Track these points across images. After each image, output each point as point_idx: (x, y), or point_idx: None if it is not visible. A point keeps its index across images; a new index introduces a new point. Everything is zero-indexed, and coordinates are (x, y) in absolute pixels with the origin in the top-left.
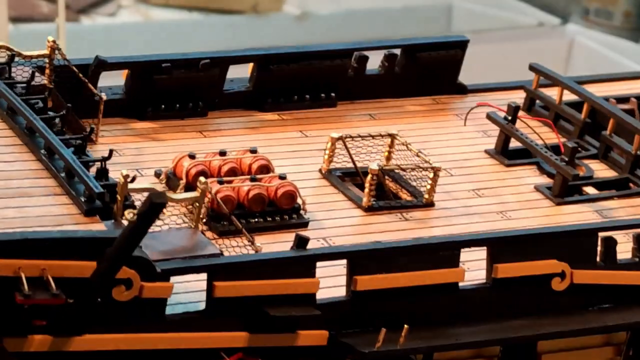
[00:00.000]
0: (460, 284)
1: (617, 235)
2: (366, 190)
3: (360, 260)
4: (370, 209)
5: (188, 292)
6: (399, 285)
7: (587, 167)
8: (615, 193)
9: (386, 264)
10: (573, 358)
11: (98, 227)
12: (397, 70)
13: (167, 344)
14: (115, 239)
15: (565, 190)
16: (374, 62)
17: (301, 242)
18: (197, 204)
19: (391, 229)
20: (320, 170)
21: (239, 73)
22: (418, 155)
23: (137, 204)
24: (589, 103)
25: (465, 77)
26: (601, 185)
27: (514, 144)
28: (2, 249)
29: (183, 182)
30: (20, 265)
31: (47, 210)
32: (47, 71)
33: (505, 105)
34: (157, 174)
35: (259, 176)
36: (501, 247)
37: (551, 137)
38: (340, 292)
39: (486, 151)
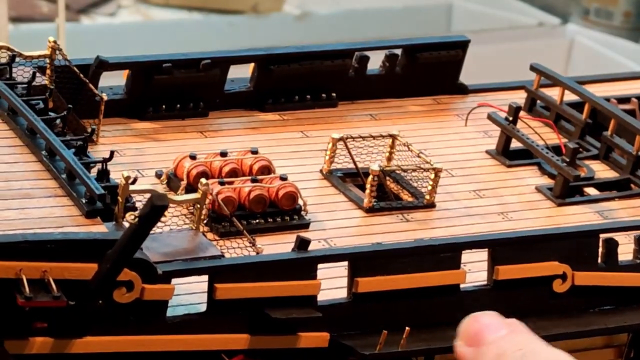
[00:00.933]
0: (462, 285)
1: (619, 236)
2: (367, 191)
3: (362, 262)
4: (371, 210)
5: (189, 293)
6: (400, 287)
7: (588, 167)
8: (617, 194)
9: (387, 266)
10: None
11: (99, 228)
12: (398, 71)
13: (168, 346)
14: (117, 241)
15: (566, 191)
16: (375, 62)
17: (302, 244)
18: (198, 206)
19: (392, 230)
20: (321, 171)
21: (240, 73)
22: (419, 156)
23: (139, 205)
24: (590, 103)
25: (466, 77)
26: (602, 186)
27: (515, 144)
28: (3, 250)
29: (184, 182)
30: (22, 267)
31: (48, 212)
32: (48, 72)
33: (506, 105)
34: (158, 175)
35: (259, 177)
36: (502, 249)
37: (552, 137)
38: (342, 294)
39: (487, 152)
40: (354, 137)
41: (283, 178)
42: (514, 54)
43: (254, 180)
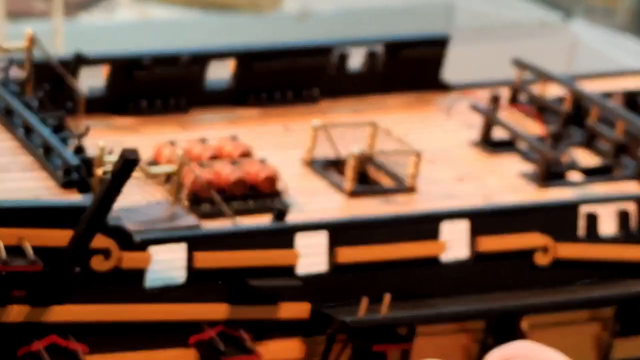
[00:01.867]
0: (443, 258)
1: (602, 213)
2: (348, 173)
3: (341, 232)
4: (353, 194)
5: (169, 268)
6: (380, 257)
7: (571, 154)
8: (598, 178)
9: (367, 237)
10: (560, 334)
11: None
12: (380, 67)
13: (148, 316)
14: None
15: (548, 174)
16: (357, 59)
17: (280, 214)
18: (175, 177)
19: (373, 212)
20: (302, 160)
21: (226, 73)
22: (400, 142)
23: None
24: (573, 93)
25: (466, 76)
26: (585, 172)
27: (498, 134)
28: None
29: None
30: None
31: (25, 185)
32: (26, 64)
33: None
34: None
35: (239, 159)
36: (482, 219)
37: (535, 128)
38: (323, 268)
39: (470, 141)
40: (335, 125)
41: (263, 162)
42: (516, 52)
43: (233, 164)
